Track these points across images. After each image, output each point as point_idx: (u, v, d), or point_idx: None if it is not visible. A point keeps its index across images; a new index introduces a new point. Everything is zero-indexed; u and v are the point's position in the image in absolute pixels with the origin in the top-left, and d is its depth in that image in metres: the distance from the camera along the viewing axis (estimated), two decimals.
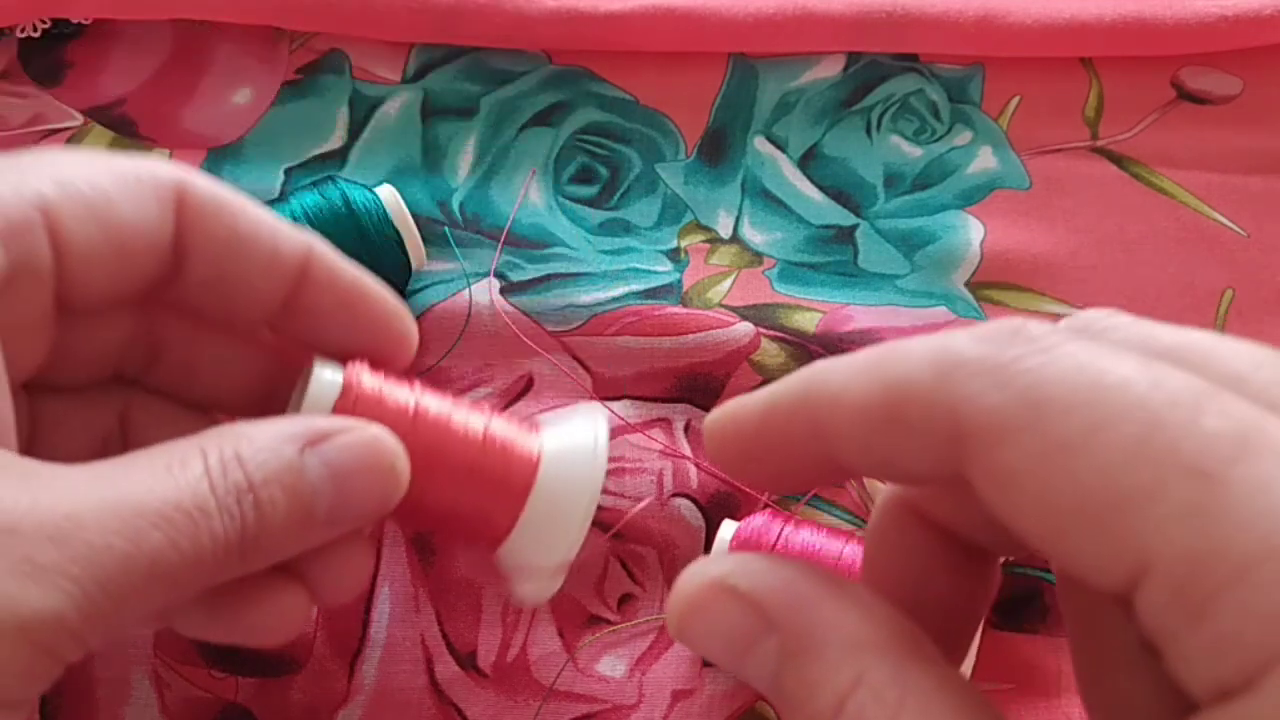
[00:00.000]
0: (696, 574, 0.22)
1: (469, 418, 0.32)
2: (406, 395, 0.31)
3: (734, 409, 0.23)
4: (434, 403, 0.31)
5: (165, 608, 0.26)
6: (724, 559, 0.22)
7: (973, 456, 0.19)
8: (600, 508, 0.42)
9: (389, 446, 0.28)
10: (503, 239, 0.48)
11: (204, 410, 0.33)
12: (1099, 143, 0.52)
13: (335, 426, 0.27)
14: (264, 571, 0.28)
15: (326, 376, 0.30)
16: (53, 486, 0.23)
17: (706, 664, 0.39)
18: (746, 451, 0.22)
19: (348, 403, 0.30)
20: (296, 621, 0.29)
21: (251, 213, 0.29)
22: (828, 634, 0.20)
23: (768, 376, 0.45)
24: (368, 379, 0.31)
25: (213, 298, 0.30)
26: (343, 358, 0.30)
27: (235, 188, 0.49)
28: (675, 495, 0.42)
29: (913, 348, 0.20)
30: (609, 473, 0.42)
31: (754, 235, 0.49)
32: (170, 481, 0.24)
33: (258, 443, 0.26)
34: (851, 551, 0.38)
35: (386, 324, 0.31)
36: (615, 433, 0.43)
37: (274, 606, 0.29)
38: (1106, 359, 0.18)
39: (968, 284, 0.48)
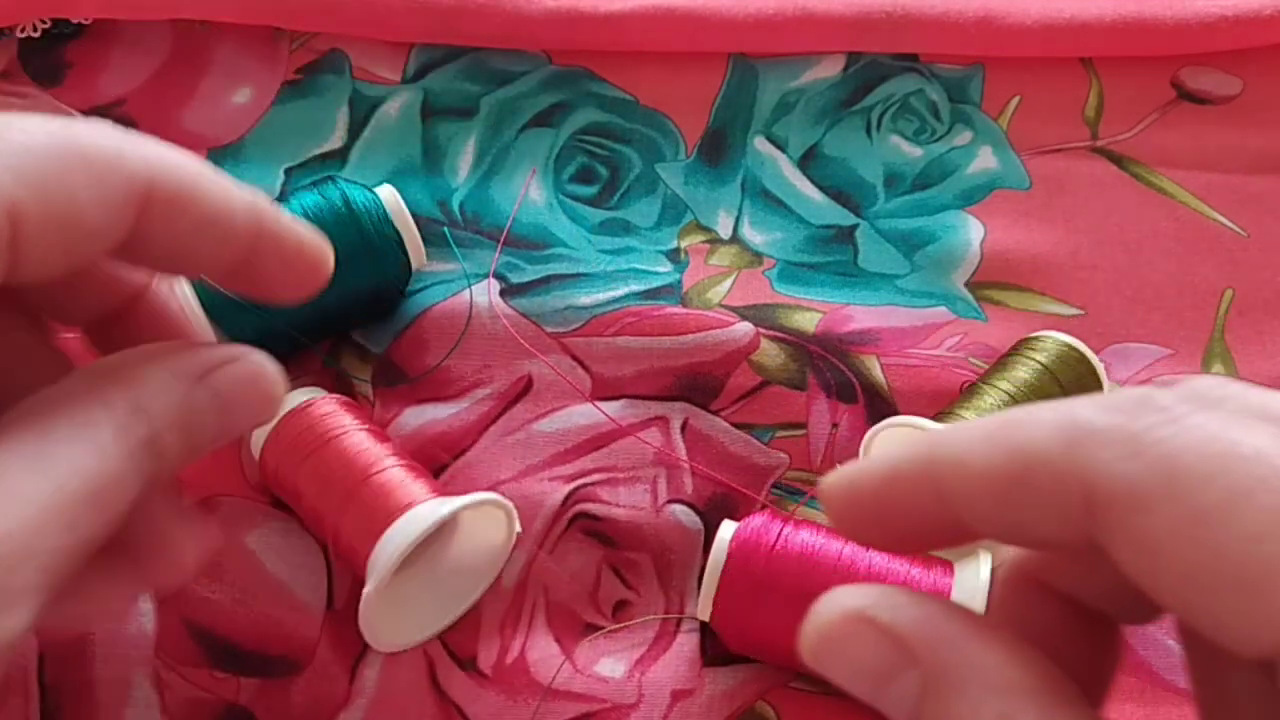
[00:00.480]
0: (836, 602, 0.22)
1: (377, 456, 0.39)
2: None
3: (853, 475, 0.23)
4: (364, 440, 0.39)
5: None
6: (865, 591, 0.22)
7: (1108, 525, 0.19)
8: (595, 518, 0.42)
9: (270, 374, 0.28)
10: (502, 239, 0.48)
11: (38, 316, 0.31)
12: (1099, 143, 0.52)
13: (223, 356, 0.28)
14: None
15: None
16: (3, 492, 0.23)
17: (706, 664, 0.39)
18: (867, 515, 0.23)
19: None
20: (121, 605, 0.29)
21: (210, 200, 0.27)
22: (972, 672, 0.20)
23: (767, 377, 0.45)
24: (327, 406, 0.40)
25: (151, 266, 0.29)
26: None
27: None
28: (671, 502, 0.42)
29: (1038, 416, 0.20)
30: (604, 483, 0.42)
31: (754, 235, 0.49)
32: (93, 456, 0.24)
33: (154, 386, 0.26)
34: (851, 551, 0.38)
35: (315, 266, 0.30)
36: (610, 436, 0.43)
37: (100, 592, 0.28)
38: (1236, 430, 0.19)
39: (968, 284, 0.48)
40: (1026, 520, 0.20)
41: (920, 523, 0.22)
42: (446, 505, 0.37)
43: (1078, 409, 0.20)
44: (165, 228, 0.27)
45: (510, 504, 0.40)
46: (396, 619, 0.39)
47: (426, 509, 0.37)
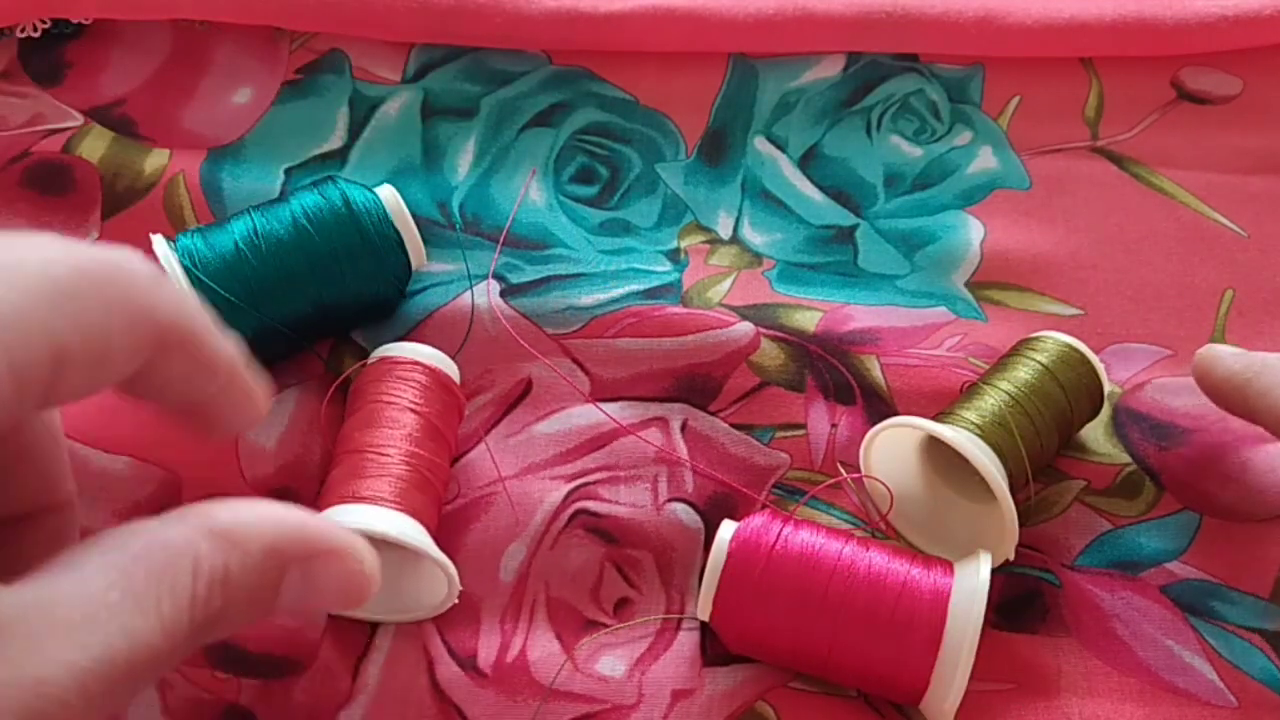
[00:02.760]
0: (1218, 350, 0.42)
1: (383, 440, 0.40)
2: None
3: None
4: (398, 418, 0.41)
5: None
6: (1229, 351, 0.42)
7: None
8: (596, 514, 0.42)
9: (369, 576, 0.27)
10: (502, 240, 0.48)
11: None
12: (1099, 143, 0.52)
13: (326, 546, 0.26)
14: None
15: None
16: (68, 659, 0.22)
17: (706, 664, 0.40)
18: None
19: None
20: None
21: (209, 350, 0.27)
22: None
23: (765, 378, 0.45)
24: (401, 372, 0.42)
25: (126, 391, 0.28)
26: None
27: (236, 188, 0.49)
28: (671, 500, 0.42)
29: None
30: (605, 480, 0.43)
31: (754, 236, 0.49)
32: (158, 628, 0.23)
33: (249, 555, 0.25)
34: (851, 551, 0.38)
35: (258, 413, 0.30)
36: (610, 436, 0.43)
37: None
38: None
39: (968, 284, 0.48)
40: None
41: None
42: (368, 519, 0.37)
43: None
44: (164, 368, 0.26)
45: (453, 571, 0.38)
46: None
47: (359, 514, 0.37)
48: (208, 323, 0.27)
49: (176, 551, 0.24)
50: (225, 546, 0.24)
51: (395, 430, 0.40)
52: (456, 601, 0.39)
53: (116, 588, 0.22)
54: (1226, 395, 0.42)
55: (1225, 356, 0.42)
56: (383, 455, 0.39)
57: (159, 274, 0.26)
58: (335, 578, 0.26)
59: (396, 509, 0.38)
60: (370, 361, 0.43)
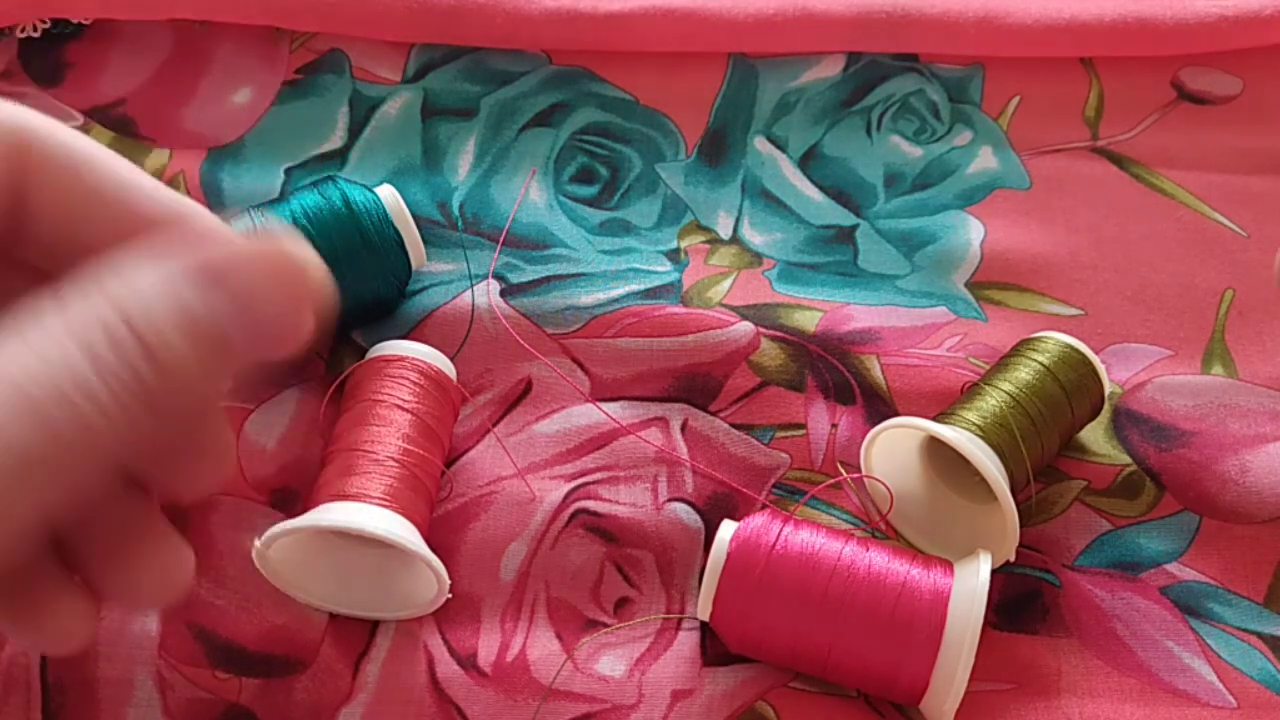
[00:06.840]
0: None
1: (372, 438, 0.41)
2: None
3: None
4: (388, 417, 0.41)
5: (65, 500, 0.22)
6: None
7: None
8: (595, 514, 0.42)
9: (296, 259, 0.24)
10: (501, 240, 0.48)
11: None
12: (1099, 143, 0.52)
13: (228, 256, 0.23)
14: (51, 576, 0.25)
15: None
16: None
17: (706, 664, 0.40)
18: None
19: None
20: (81, 631, 0.26)
21: (106, 168, 0.24)
22: None
23: (766, 378, 0.45)
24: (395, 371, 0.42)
25: (59, 255, 0.25)
26: None
27: (236, 188, 0.49)
28: (671, 500, 0.42)
29: None
30: (605, 480, 0.43)
31: (754, 236, 0.49)
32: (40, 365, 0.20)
33: (146, 297, 0.22)
34: (851, 551, 0.38)
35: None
36: (610, 435, 0.43)
37: (60, 612, 0.25)
38: None
39: (968, 284, 0.48)
40: None
41: None
42: (355, 517, 0.37)
43: None
44: (53, 198, 0.23)
45: (441, 569, 0.38)
46: (303, 570, 0.40)
47: (344, 512, 0.38)
48: (94, 144, 0.24)
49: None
50: (111, 292, 0.22)
51: (386, 428, 0.40)
52: (449, 597, 0.39)
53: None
54: None
55: None
56: (373, 453, 0.39)
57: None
58: (259, 276, 0.23)
59: (386, 507, 0.38)
60: (364, 360, 0.43)
